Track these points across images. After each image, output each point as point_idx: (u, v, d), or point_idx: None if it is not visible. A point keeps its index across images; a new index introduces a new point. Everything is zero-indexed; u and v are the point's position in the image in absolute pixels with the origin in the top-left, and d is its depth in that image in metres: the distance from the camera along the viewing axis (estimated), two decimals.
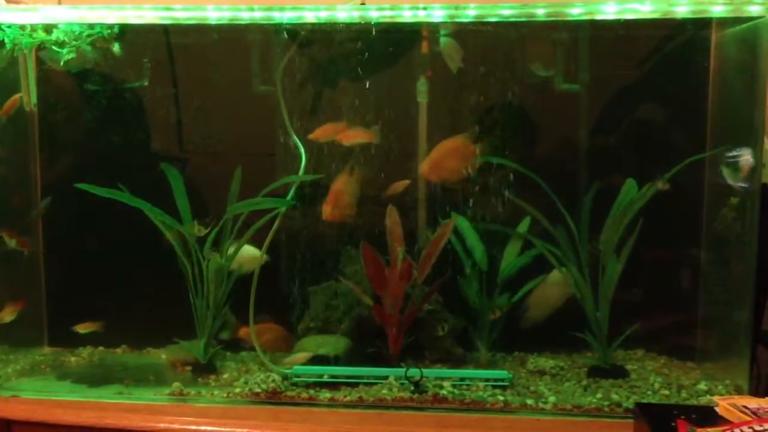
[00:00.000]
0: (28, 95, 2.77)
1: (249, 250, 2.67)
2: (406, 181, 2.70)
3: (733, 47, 2.53)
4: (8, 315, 2.71)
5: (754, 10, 2.32)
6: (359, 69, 2.66)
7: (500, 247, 2.72)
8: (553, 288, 2.68)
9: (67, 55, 2.54)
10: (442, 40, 2.60)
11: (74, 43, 2.52)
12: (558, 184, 2.54)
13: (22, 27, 2.55)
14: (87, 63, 2.63)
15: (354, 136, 2.63)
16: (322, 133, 2.64)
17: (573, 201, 2.59)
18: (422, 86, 2.72)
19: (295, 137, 2.69)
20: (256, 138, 2.85)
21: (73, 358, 2.83)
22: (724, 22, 2.52)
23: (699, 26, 2.59)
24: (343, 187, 2.65)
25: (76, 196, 2.50)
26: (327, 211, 2.63)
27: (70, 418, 2.31)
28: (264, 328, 2.71)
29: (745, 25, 2.41)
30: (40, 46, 2.59)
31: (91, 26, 2.54)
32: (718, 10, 2.38)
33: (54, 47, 2.55)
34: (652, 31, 2.65)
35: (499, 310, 2.63)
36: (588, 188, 2.58)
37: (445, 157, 2.64)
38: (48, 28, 2.55)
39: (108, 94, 2.84)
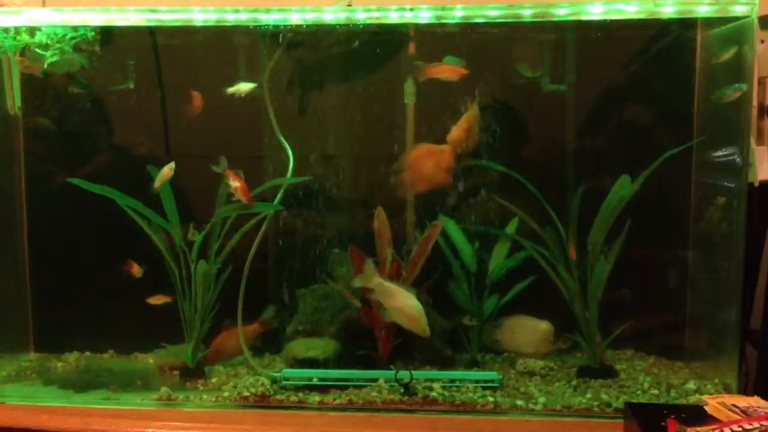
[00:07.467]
0: (12, 98, 2.74)
1: None
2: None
3: (719, 47, 2.54)
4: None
5: (739, 10, 2.34)
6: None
7: (490, 248, 2.71)
8: (536, 335, 2.69)
9: (50, 57, 2.51)
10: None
11: (57, 45, 2.50)
12: (545, 184, 2.54)
13: (6, 29, 2.53)
14: None
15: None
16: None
17: (560, 201, 2.59)
18: (410, 88, 2.71)
19: (282, 139, 2.68)
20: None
21: (59, 364, 2.80)
22: (709, 23, 2.53)
23: (684, 26, 2.60)
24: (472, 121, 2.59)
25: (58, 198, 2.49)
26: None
27: (56, 425, 2.29)
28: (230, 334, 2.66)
29: (730, 25, 2.43)
30: (24, 49, 2.57)
31: (75, 28, 2.52)
32: (703, 11, 2.40)
33: (37, 49, 2.53)
34: (638, 31, 2.66)
35: None
36: (575, 188, 2.58)
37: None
38: (32, 31, 2.53)
39: None
